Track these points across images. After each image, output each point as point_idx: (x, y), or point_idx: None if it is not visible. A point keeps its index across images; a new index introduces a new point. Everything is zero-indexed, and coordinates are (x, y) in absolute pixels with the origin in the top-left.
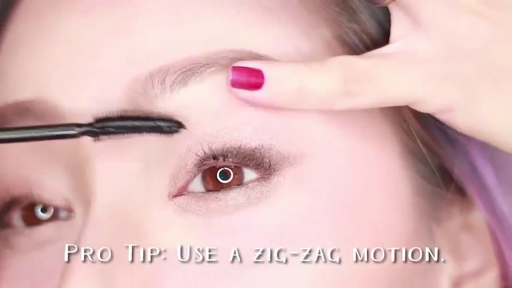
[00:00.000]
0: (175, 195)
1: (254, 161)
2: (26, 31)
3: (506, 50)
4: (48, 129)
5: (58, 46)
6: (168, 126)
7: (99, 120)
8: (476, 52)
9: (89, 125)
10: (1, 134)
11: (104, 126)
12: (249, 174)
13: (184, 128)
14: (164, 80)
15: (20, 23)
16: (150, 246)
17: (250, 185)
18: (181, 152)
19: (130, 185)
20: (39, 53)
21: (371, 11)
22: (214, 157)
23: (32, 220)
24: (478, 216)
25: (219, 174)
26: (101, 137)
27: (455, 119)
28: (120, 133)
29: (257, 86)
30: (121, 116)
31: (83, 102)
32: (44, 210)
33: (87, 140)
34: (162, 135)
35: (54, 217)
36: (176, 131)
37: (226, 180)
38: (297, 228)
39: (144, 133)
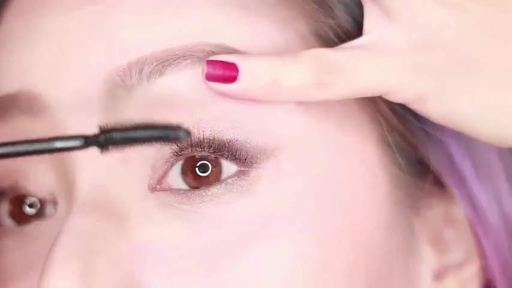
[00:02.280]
0: (156, 190)
1: (230, 153)
2: (13, 29)
3: (476, 40)
4: (53, 141)
5: (43, 42)
6: (174, 135)
7: (104, 131)
8: (447, 42)
9: (95, 136)
10: (6, 148)
11: (110, 138)
12: (228, 167)
13: (190, 136)
14: (142, 70)
15: (9, 21)
16: (131, 237)
17: (229, 180)
18: None
19: (111, 176)
20: (25, 48)
21: (346, 6)
22: (192, 146)
23: (19, 216)
24: (459, 208)
25: (198, 167)
26: (109, 148)
27: (427, 108)
28: (127, 144)
29: (231, 79)
30: (126, 126)
31: (65, 94)
32: (30, 206)
33: (71, 129)
34: (169, 143)
35: (40, 214)
36: (183, 138)
37: (205, 173)
38: (277, 218)
39: (152, 143)
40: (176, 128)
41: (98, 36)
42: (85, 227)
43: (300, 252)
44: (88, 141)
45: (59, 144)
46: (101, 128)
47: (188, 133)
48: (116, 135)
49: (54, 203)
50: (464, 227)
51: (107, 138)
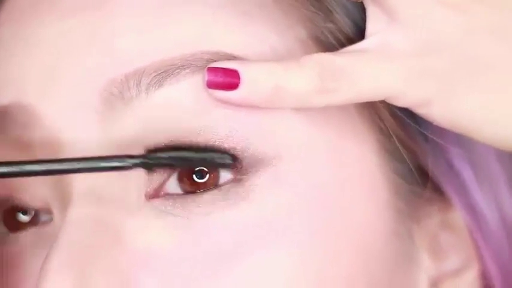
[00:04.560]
0: (152, 197)
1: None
2: (6, 36)
3: (481, 42)
4: (101, 160)
5: (36, 51)
6: (221, 158)
7: (150, 151)
8: (452, 44)
9: (142, 156)
10: (53, 165)
11: (157, 157)
12: (225, 173)
13: (237, 162)
14: (140, 81)
15: (1, 27)
16: (126, 246)
17: (224, 187)
18: None
19: (107, 185)
20: (18, 58)
21: (346, 10)
22: None
23: (13, 224)
24: (458, 214)
25: (195, 173)
26: (155, 169)
27: (432, 112)
28: (173, 165)
29: (233, 86)
30: (172, 146)
31: (60, 106)
32: (24, 213)
33: (66, 141)
34: (214, 167)
35: (35, 222)
36: (229, 164)
37: (202, 179)
38: (274, 227)
39: (197, 165)
40: (222, 151)
41: (92, 45)
42: (80, 236)
43: (298, 262)
44: (137, 162)
45: (107, 164)
46: (147, 149)
47: (235, 158)
48: (163, 155)
49: (49, 212)
50: (462, 233)
51: (154, 158)
